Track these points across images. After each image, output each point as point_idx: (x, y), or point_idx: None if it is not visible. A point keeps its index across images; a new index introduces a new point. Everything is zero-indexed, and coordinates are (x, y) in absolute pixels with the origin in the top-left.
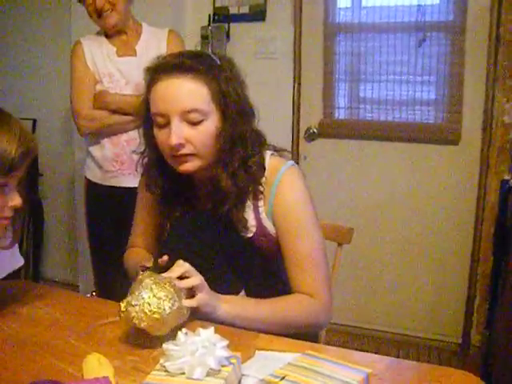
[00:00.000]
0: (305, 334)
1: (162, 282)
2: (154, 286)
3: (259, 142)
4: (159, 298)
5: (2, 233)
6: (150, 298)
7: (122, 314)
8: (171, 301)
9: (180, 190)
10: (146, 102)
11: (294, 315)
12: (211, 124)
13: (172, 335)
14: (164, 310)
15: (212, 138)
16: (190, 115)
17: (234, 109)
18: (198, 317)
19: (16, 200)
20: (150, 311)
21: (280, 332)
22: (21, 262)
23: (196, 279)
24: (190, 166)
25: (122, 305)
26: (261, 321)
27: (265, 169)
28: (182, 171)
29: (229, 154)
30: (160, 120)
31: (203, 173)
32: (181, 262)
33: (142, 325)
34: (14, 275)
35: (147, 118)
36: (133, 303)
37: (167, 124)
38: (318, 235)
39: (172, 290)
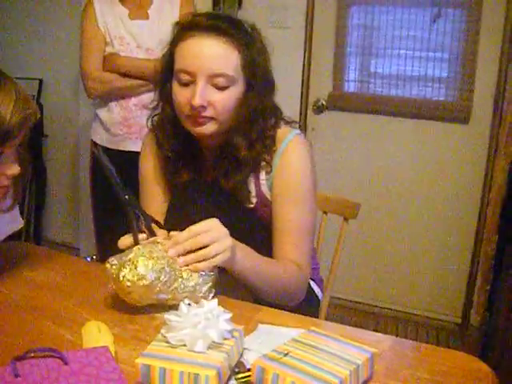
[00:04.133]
0: (306, 307)
1: (153, 255)
2: (138, 255)
3: (275, 116)
4: (131, 268)
5: (0, 199)
6: (125, 263)
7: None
8: (138, 274)
9: (188, 155)
10: (170, 56)
11: (289, 282)
12: (236, 91)
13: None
14: (127, 279)
15: (234, 105)
16: (217, 79)
17: (261, 80)
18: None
19: (13, 169)
20: (116, 274)
21: (266, 295)
22: (20, 224)
23: (211, 252)
24: (205, 128)
25: (108, 262)
26: (264, 280)
27: (275, 140)
28: (196, 133)
29: (249, 124)
30: (184, 77)
31: (215, 139)
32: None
33: (109, 285)
34: (15, 236)
35: (168, 73)
36: (110, 261)
37: (191, 83)
38: (311, 208)
39: (153, 266)
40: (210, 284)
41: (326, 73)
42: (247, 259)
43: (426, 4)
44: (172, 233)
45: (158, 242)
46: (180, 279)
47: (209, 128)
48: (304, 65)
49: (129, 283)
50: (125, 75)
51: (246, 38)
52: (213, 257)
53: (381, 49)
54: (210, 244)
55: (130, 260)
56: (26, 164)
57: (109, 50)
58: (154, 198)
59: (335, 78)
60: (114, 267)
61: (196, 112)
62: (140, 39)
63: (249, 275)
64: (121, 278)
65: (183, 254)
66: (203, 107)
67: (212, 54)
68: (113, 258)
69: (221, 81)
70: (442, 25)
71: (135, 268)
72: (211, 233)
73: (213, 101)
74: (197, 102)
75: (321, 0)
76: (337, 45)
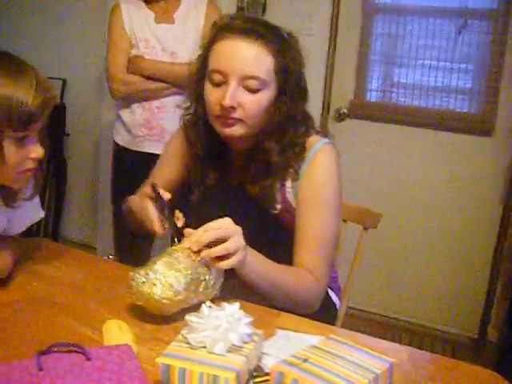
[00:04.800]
0: (323, 315)
1: (179, 267)
2: (165, 270)
3: (307, 124)
4: (164, 284)
5: (25, 184)
6: (155, 280)
7: (130, 282)
8: (174, 291)
9: (216, 157)
10: (205, 57)
11: (301, 290)
12: (267, 95)
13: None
14: (163, 297)
15: (264, 109)
16: (249, 81)
17: (293, 86)
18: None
19: (37, 151)
20: (149, 293)
21: (279, 302)
22: (41, 214)
23: (231, 246)
24: (234, 130)
25: (130, 275)
26: (274, 286)
27: (305, 149)
28: (225, 134)
29: (281, 129)
30: (217, 77)
31: (244, 143)
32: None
33: (139, 303)
34: (34, 232)
35: (202, 73)
36: (136, 279)
37: (223, 83)
38: (335, 219)
39: (183, 278)
40: (222, 279)
41: (349, 81)
42: (256, 262)
43: (452, 14)
44: (188, 230)
45: (175, 250)
46: (203, 282)
47: (237, 130)
48: (327, 72)
49: (165, 301)
50: (149, 78)
51: (281, 44)
52: (234, 251)
53: (404, 58)
54: (227, 239)
55: (160, 277)
56: (47, 150)
57: (134, 52)
58: (164, 176)
59: (358, 86)
60: (140, 284)
61: (225, 112)
62: (165, 43)
63: (257, 279)
64: (156, 298)
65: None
66: (233, 108)
67: (246, 56)
68: (139, 276)
69: (252, 83)
70: (468, 36)
71: (169, 286)
72: (227, 229)
73: (243, 103)
74: (227, 102)
75: (345, 8)
76: (360, 53)
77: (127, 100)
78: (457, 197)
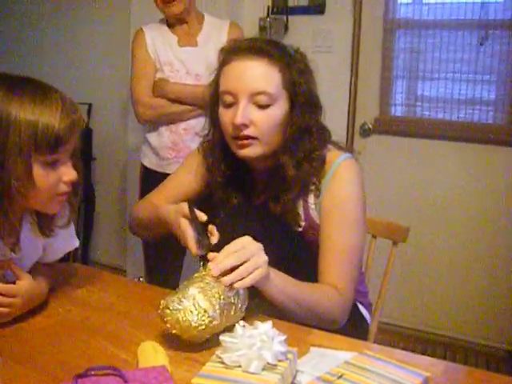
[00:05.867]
0: (355, 331)
1: (211, 292)
2: (199, 296)
3: (323, 137)
4: (199, 311)
5: (60, 208)
6: (190, 307)
7: (159, 311)
8: (209, 317)
9: (238, 179)
10: (216, 82)
11: (325, 306)
12: (278, 110)
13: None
14: (199, 324)
15: (277, 124)
16: (258, 97)
17: (303, 100)
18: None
19: (70, 174)
20: (184, 321)
21: (303, 319)
22: (76, 243)
23: (252, 266)
24: (250, 151)
25: (162, 303)
26: (296, 303)
27: (325, 163)
28: (241, 156)
29: (295, 143)
30: (228, 99)
31: (263, 163)
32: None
33: (173, 331)
34: (64, 257)
35: (215, 98)
36: (170, 307)
37: (234, 103)
38: (360, 234)
39: (217, 303)
40: (247, 301)
41: (373, 96)
42: (277, 279)
43: (473, 26)
44: (211, 254)
45: (205, 274)
46: (234, 306)
47: (252, 151)
48: (350, 89)
49: (201, 327)
50: (174, 101)
51: (286, 58)
52: (253, 270)
53: (427, 72)
54: (248, 259)
55: (195, 303)
56: (80, 174)
57: (159, 75)
58: (185, 184)
59: (382, 101)
60: (175, 311)
61: (238, 131)
62: (189, 65)
63: (278, 296)
64: (193, 325)
65: (224, 274)
66: (245, 125)
67: (253, 73)
68: (173, 303)
69: (262, 99)
70: (490, 47)
71: (204, 311)
72: (247, 249)
73: (254, 120)
74: (238, 120)
75: (366, 24)
76: (383, 68)
77: (154, 123)
78: (485, 208)
